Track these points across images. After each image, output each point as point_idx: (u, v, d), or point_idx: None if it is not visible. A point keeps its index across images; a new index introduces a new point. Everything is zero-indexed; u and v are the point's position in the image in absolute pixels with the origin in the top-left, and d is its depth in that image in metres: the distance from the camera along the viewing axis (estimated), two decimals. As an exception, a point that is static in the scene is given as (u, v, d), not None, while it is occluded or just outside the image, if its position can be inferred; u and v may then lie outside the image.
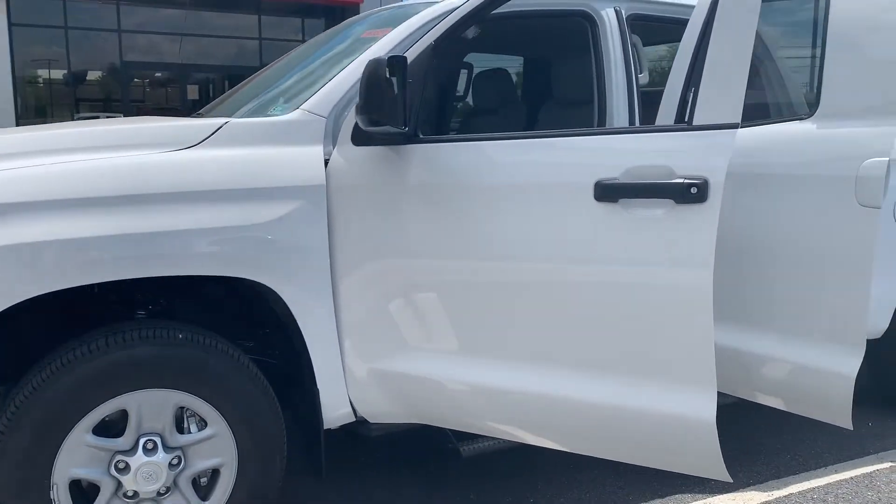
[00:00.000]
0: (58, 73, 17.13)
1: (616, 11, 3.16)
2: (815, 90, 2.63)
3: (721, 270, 2.89)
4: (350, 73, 2.58)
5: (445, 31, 2.38)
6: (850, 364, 2.58)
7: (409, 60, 2.40)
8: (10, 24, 16.07)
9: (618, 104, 3.10)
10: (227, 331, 2.65)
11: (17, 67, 16.10)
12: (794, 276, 2.70)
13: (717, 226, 2.08)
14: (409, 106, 2.36)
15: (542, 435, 2.44)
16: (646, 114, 3.18)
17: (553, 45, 3.61)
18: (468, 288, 2.39)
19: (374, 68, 2.10)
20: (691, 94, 2.19)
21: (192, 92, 18.47)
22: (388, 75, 2.12)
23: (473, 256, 2.35)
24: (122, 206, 2.19)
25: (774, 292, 2.77)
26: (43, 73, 17.13)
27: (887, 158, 2.45)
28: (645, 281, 2.15)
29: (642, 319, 2.19)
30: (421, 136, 2.42)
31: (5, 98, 15.66)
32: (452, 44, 2.41)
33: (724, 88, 2.12)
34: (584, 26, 3.17)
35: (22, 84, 16.43)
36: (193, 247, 2.25)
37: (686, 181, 2.10)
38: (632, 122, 3.10)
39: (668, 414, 2.21)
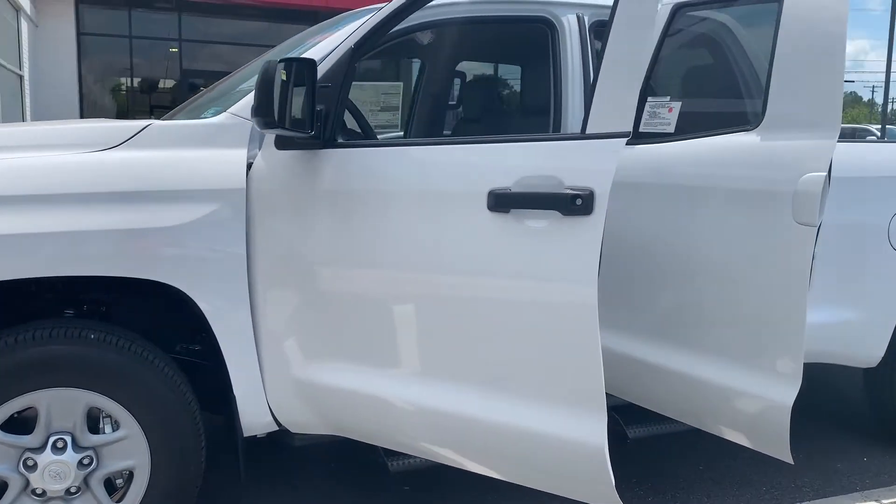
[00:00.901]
0: (122, 81, 17.78)
1: (578, 18, 3.07)
2: (763, 99, 2.47)
3: (662, 287, 2.74)
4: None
5: (364, 35, 2.33)
6: (786, 393, 2.40)
7: (329, 64, 2.38)
8: (79, 34, 16.82)
9: (573, 111, 3.00)
10: (166, 335, 2.65)
11: (84, 75, 16.80)
12: (732, 297, 2.53)
13: (600, 239, 1.96)
14: (324, 110, 2.33)
15: (440, 451, 2.35)
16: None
17: (514, 51, 3.52)
18: (368, 299, 2.32)
19: (266, 70, 2.07)
20: None
21: (251, 100, 18.83)
22: (284, 78, 2.08)
23: (373, 266, 2.28)
24: (28, 204, 2.21)
25: (715, 313, 2.60)
26: (108, 81, 17.81)
27: (824, 174, 2.27)
28: (531, 297, 2.04)
29: (530, 337, 2.08)
30: (340, 141, 2.37)
31: (71, 105, 16.36)
32: (373, 48, 2.35)
33: (616, 98, 2.02)
34: (544, 32, 3.08)
35: (87, 91, 17.12)
36: (96, 247, 2.24)
37: (571, 192, 1.98)
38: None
39: (557, 436, 2.09)
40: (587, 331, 1.99)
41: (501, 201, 2.06)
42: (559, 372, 2.05)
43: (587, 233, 1.97)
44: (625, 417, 3.07)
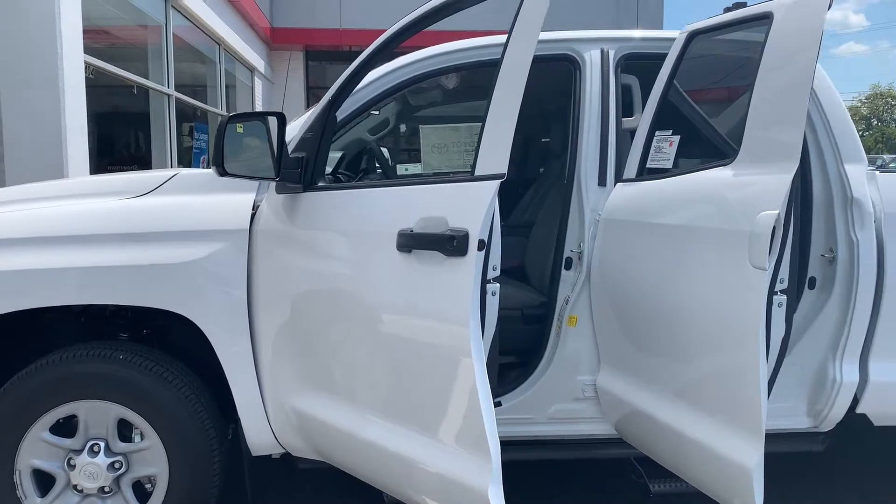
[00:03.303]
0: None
1: (602, 53, 2.99)
2: (741, 131, 2.25)
3: (640, 329, 2.58)
4: (293, 126, 2.81)
5: (337, 88, 2.50)
6: (749, 454, 2.11)
7: (314, 115, 2.59)
8: (308, 88, 18.77)
9: (588, 150, 2.92)
10: (200, 359, 2.98)
11: (310, 125, 18.62)
12: (694, 344, 2.31)
13: (473, 280, 1.91)
14: (305, 157, 2.53)
15: (373, 479, 2.42)
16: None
17: (540, 91, 3.46)
18: (321, 333, 2.45)
19: (219, 125, 2.31)
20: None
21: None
22: (240, 130, 2.31)
23: (322, 302, 2.41)
24: (65, 244, 2.64)
25: (680, 359, 2.39)
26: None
27: (776, 212, 2.00)
28: (423, 336, 2.05)
29: (426, 376, 2.07)
30: (320, 185, 2.55)
31: (298, 151, 18.20)
32: (345, 96, 2.52)
33: (494, 141, 2.03)
34: (569, 70, 3.05)
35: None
36: (113, 280, 2.62)
37: (449, 233, 1.97)
38: (603, 166, 2.89)
39: (449, 477, 2.04)
40: (462, 372, 1.96)
41: (402, 242, 2.11)
42: (446, 412, 2.03)
43: (461, 273, 1.96)
44: (651, 470, 2.88)
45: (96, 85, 7.31)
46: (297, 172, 2.52)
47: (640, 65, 3.06)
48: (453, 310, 1.98)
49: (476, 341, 1.94)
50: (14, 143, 5.52)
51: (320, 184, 2.55)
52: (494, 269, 2.10)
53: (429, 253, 2.03)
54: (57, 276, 2.60)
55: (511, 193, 4.50)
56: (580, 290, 2.88)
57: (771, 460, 3.27)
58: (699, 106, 2.87)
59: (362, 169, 4.19)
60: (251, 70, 15.65)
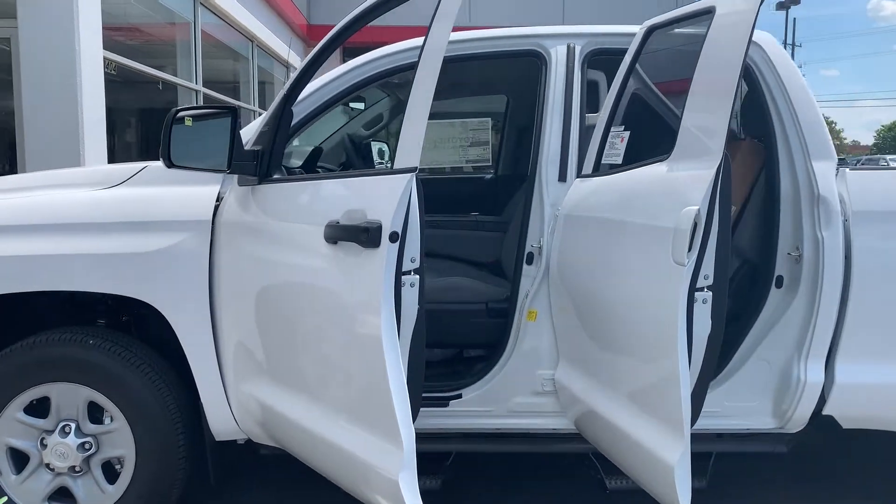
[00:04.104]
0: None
1: (568, 48, 2.99)
2: (678, 125, 2.23)
3: (585, 323, 2.58)
4: (256, 121, 2.88)
5: (290, 85, 2.57)
6: (671, 449, 2.10)
7: (270, 110, 2.65)
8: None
9: (550, 145, 2.92)
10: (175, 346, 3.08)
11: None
12: (626, 340, 2.30)
13: (384, 272, 1.94)
14: (262, 150, 2.60)
15: (318, 469, 2.47)
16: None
17: (507, 87, 3.48)
18: (267, 322, 2.51)
19: (166, 118, 2.39)
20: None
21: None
22: (189, 124, 2.39)
23: (267, 292, 2.48)
24: (34, 233, 2.75)
25: (612, 352, 2.39)
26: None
27: (696, 207, 1.98)
28: (345, 327, 2.09)
29: (346, 366, 2.12)
30: (275, 178, 2.61)
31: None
32: (300, 91, 2.58)
33: (408, 135, 2.07)
34: (536, 66, 3.05)
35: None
36: (83, 268, 2.72)
37: (364, 225, 2.01)
38: (564, 162, 2.90)
39: (368, 463, 2.07)
40: (376, 362, 1.99)
41: (328, 233, 2.16)
42: (363, 400, 2.08)
43: (374, 265, 2.00)
44: (608, 466, 2.88)
45: (123, 80, 7.53)
46: (253, 165, 2.58)
47: (610, 60, 3.05)
48: (367, 300, 2.02)
49: (388, 332, 1.98)
50: (33, 138, 5.76)
51: (276, 176, 2.62)
52: (413, 260, 2.12)
53: (350, 244, 2.07)
54: (20, 264, 2.71)
55: (508, 190, 4.52)
56: (539, 285, 2.89)
57: (737, 460, 3.26)
58: (663, 100, 2.86)
59: (341, 163, 4.26)
60: (287, 67, 15.88)
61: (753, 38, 2.88)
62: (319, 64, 2.55)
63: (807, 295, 2.82)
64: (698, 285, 2.07)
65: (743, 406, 2.92)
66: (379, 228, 2.01)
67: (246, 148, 2.63)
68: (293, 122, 2.87)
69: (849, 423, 2.92)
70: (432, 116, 4.20)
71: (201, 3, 9.73)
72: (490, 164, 4.76)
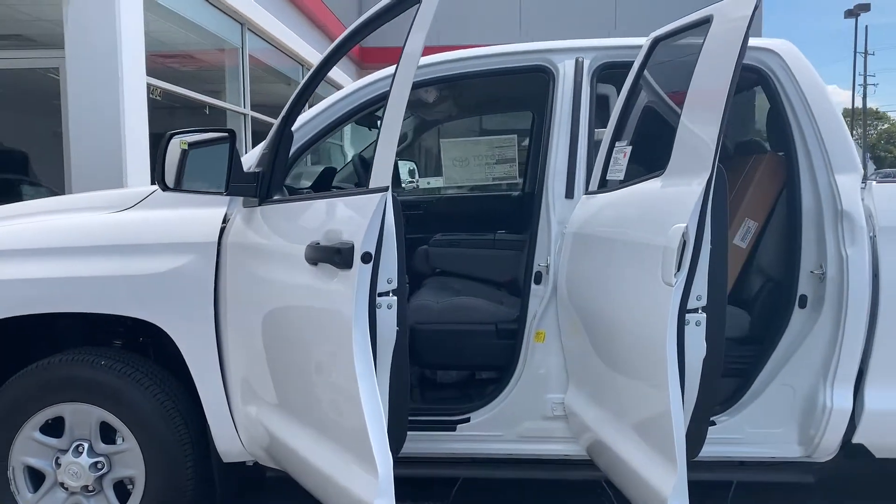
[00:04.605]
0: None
1: (577, 63, 2.92)
2: (672, 140, 2.14)
3: (585, 342, 2.48)
4: (261, 145, 2.89)
5: (288, 107, 2.57)
6: (663, 480, 1.98)
7: (272, 132, 2.66)
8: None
9: (557, 161, 2.85)
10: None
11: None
12: (624, 364, 2.19)
13: (357, 292, 1.89)
14: (262, 172, 2.60)
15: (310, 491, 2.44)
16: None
17: (532, 103, 3.40)
18: (263, 343, 2.50)
19: (161, 142, 2.42)
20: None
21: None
22: (184, 147, 2.41)
23: (262, 313, 2.47)
24: (46, 256, 2.82)
25: (619, 381, 2.27)
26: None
27: (684, 225, 1.87)
28: (324, 349, 2.05)
29: (327, 391, 2.08)
30: (275, 198, 2.62)
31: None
32: (298, 112, 2.58)
33: (381, 156, 2.04)
34: (544, 81, 2.99)
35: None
36: (92, 290, 2.77)
37: (337, 246, 1.97)
38: (571, 178, 2.82)
39: (347, 489, 2.02)
40: (349, 386, 1.95)
41: (308, 255, 2.13)
42: (340, 425, 2.03)
43: (346, 286, 1.96)
44: (620, 495, 2.76)
45: (168, 105, 7.75)
46: (253, 186, 2.59)
47: (622, 74, 2.97)
48: (340, 322, 1.98)
49: (361, 355, 1.94)
50: (80, 159, 6.02)
51: (276, 197, 2.62)
52: (390, 281, 2.08)
53: (327, 266, 2.05)
54: (27, 287, 2.77)
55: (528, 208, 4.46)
56: (547, 305, 2.81)
57: (760, 490, 3.08)
58: (675, 111, 2.76)
59: (356, 183, 4.26)
60: (338, 90, 16.10)
61: (770, 46, 2.78)
62: (315, 85, 2.55)
63: (832, 315, 2.67)
64: (690, 306, 1.96)
65: (767, 433, 2.77)
66: (351, 249, 1.98)
67: (248, 170, 2.64)
68: (302, 142, 2.89)
69: (882, 451, 2.74)
70: (459, 134, 4.15)
71: (249, 30, 9.96)
72: (517, 181, 4.70)
